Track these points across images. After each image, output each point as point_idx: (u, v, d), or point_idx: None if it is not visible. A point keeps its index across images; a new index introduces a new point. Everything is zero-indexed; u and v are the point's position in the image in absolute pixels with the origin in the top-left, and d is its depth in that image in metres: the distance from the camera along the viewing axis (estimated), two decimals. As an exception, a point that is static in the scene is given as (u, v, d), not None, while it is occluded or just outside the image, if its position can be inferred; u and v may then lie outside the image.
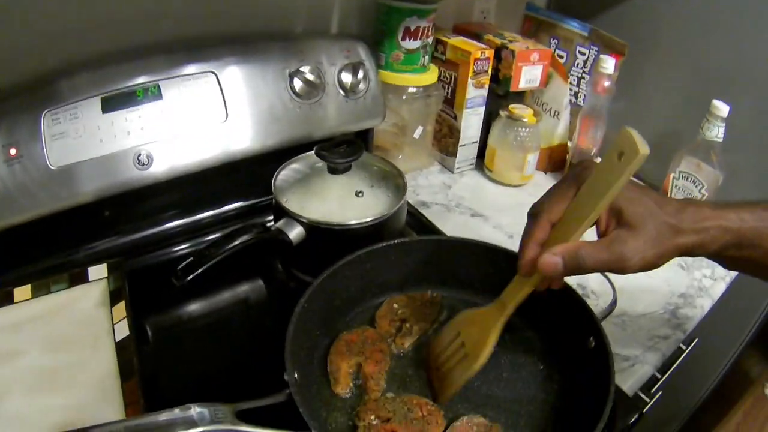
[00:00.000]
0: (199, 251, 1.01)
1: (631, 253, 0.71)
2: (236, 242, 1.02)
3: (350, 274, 1.04)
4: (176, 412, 0.71)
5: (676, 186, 1.42)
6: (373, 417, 0.88)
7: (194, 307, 1.13)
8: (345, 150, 1.14)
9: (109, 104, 1.03)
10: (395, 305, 1.08)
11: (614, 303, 1.04)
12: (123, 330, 0.94)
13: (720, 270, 1.32)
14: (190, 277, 0.98)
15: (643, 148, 0.64)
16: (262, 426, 0.75)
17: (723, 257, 0.78)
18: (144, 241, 1.25)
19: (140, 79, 1.07)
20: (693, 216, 0.73)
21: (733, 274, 1.33)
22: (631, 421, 0.94)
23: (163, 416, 0.70)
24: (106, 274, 1.03)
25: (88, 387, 0.86)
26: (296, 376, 0.84)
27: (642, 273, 0.73)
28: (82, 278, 1.02)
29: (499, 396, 0.96)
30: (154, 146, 1.09)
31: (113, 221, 1.21)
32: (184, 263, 0.99)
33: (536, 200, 0.82)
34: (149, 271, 1.19)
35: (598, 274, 1.03)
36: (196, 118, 1.12)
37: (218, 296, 1.16)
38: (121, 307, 0.97)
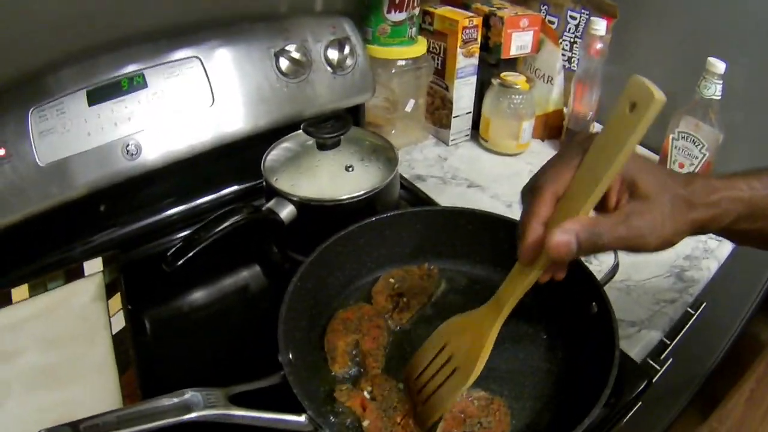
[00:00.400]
0: (189, 235, 0.99)
1: (649, 228, 0.63)
2: (226, 224, 1.00)
3: (343, 250, 1.02)
4: (168, 399, 0.70)
5: (675, 147, 1.40)
6: (366, 393, 0.88)
7: (191, 294, 1.12)
8: (333, 125, 1.13)
9: (95, 97, 1.02)
10: (391, 280, 1.06)
11: (616, 266, 1.00)
12: (119, 322, 0.94)
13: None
14: (181, 261, 0.96)
15: (659, 94, 0.57)
16: (257, 409, 0.74)
17: (735, 231, 0.72)
18: (140, 232, 1.24)
19: (125, 70, 1.06)
20: (703, 188, 0.67)
21: None
22: (640, 388, 0.92)
23: (155, 404, 0.70)
24: (101, 268, 1.02)
25: (86, 381, 0.86)
26: (290, 356, 0.83)
27: None
28: (77, 274, 1.02)
29: (502, 368, 0.93)
30: (142, 136, 1.08)
31: (109, 214, 1.20)
32: (174, 248, 0.98)
33: (533, 175, 0.71)
34: (146, 262, 1.18)
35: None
36: (183, 104, 1.11)
37: (214, 282, 1.14)
38: (117, 300, 0.97)
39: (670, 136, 1.40)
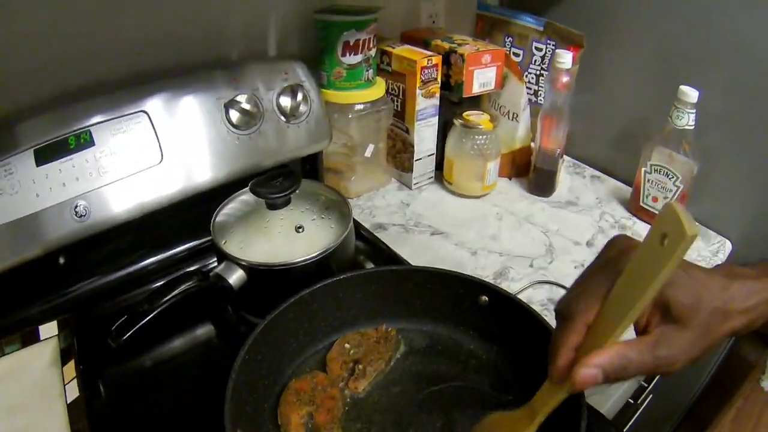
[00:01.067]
0: (133, 308, 0.96)
1: (679, 354, 0.61)
2: (172, 294, 0.97)
3: (295, 317, 0.98)
4: None
5: (648, 180, 1.38)
6: None
7: (146, 357, 1.08)
8: (281, 183, 1.08)
9: (43, 156, 0.98)
10: (347, 345, 1.02)
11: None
12: (73, 391, 0.90)
13: (707, 255, 1.29)
14: (126, 336, 0.94)
15: (692, 229, 0.53)
16: None
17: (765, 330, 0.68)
18: (96, 291, 1.20)
19: (72, 127, 1.01)
20: (741, 292, 0.63)
21: (723, 256, 1.28)
22: None
23: None
24: (56, 332, 0.99)
25: None
26: None
27: None
28: (33, 338, 0.98)
29: None
30: (91, 196, 1.03)
31: (67, 271, 1.16)
32: (118, 322, 0.95)
33: (565, 295, 0.71)
34: (101, 324, 1.11)
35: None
36: (131, 162, 1.06)
37: (169, 345, 1.10)
38: (71, 367, 0.93)
39: (643, 169, 1.37)
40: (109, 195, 1.05)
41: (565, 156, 1.55)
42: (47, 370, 0.94)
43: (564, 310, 0.69)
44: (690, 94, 1.23)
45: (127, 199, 1.07)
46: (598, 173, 1.66)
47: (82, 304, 1.16)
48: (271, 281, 1.06)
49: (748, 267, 0.68)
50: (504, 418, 0.82)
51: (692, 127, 1.26)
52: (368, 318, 1.06)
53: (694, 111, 1.24)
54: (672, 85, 1.27)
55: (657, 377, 1.20)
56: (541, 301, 1.17)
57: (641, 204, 1.45)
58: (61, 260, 1.14)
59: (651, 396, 1.33)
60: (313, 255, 1.04)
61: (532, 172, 1.57)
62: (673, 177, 1.32)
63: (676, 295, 0.61)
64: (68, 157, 1.00)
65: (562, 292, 1.09)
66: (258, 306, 0.98)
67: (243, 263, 1.04)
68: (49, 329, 0.99)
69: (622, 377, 0.62)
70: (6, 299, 1.09)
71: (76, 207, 1.01)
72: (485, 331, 0.99)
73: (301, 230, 1.10)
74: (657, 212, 1.38)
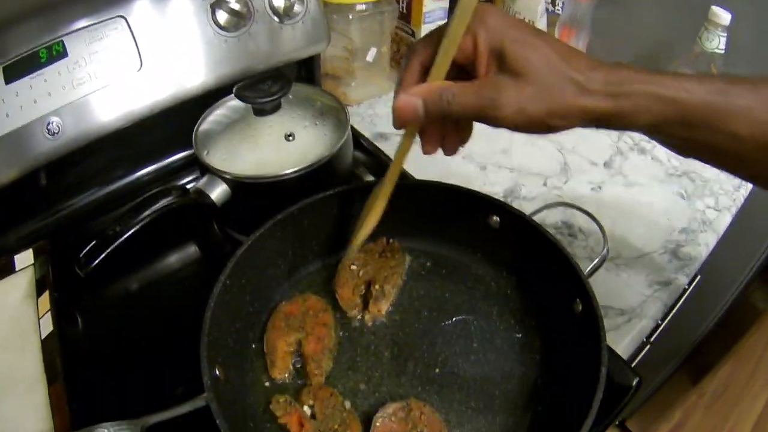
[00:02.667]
0: (103, 231, 0.89)
1: (505, 99, 0.60)
2: (146, 213, 0.90)
3: (284, 235, 0.90)
4: None
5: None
6: (306, 408, 0.78)
7: (126, 283, 1.03)
8: (270, 86, 0.99)
9: (12, 73, 0.91)
10: (353, 267, 0.94)
11: (606, 253, 0.90)
12: (48, 325, 0.87)
13: (724, 199, 1.19)
14: (95, 263, 0.87)
15: None
16: None
17: (668, 137, 0.64)
18: (74, 215, 1.13)
19: (42, 39, 0.93)
20: (608, 76, 0.60)
21: (739, 201, 1.19)
22: (629, 395, 0.83)
23: None
24: (32, 261, 0.95)
25: (16, 395, 0.80)
26: (218, 372, 0.74)
27: (635, 203, 0.74)
28: (9, 268, 0.95)
29: (468, 373, 0.83)
30: (64, 111, 0.96)
31: (43, 197, 1.10)
32: (87, 248, 0.88)
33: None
34: (78, 250, 1.04)
35: (585, 215, 0.91)
36: (108, 71, 0.99)
37: (150, 269, 1.05)
38: (46, 298, 0.90)
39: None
40: (85, 109, 0.98)
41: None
42: (23, 302, 0.90)
43: (407, 51, 0.69)
44: (722, 15, 1.14)
45: (104, 112, 1.00)
46: (617, 93, 1.57)
47: (61, 228, 1.10)
48: (257, 196, 0.98)
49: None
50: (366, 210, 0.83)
51: (722, 52, 1.17)
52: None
53: (725, 34, 1.16)
54: (702, 4, 1.18)
55: (672, 313, 1.14)
56: (556, 224, 1.10)
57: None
58: (43, 184, 1.07)
59: (661, 335, 1.27)
60: (305, 166, 0.96)
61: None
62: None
63: (518, 49, 0.60)
64: (39, 72, 0.92)
65: (579, 216, 1.01)
66: (245, 223, 0.91)
67: (227, 176, 0.96)
68: (24, 258, 0.96)
69: (445, 113, 0.62)
70: None
71: (48, 125, 0.95)
72: (495, 254, 0.92)
73: (291, 138, 1.00)
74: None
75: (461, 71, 0.64)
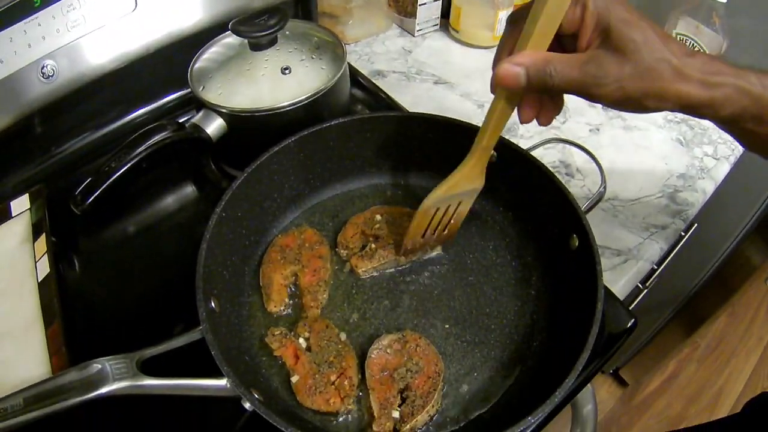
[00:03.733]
0: (98, 168, 0.90)
1: (607, 76, 0.61)
2: (140, 149, 0.90)
3: (280, 168, 0.91)
4: (75, 374, 0.65)
5: (671, 50, 1.28)
6: (301, 341, 0.79)
7: (123, 224, 1.02)
8: (266, 20, 0.97)
9: (5, 19, 0.90)
10: (378, 216, 0.94)
11: (603, 190, 0.91)
12: (44, 268, 0.87)
13: (722, 148, 1.19)
14: (91, 199, 0.88)
15: None
16: (172, 376, 0.67)
17: (738, 129, 0.66)
18: (70, 158, 1.12)
19: None
20: (704, 65, 0.61)
21: (738, 152, 1.19)
22: (623, 336, 0.84)
23: (60, 381, 0.65)
24: (28, 206, 0.95)
25: (13, 338, 0.81)
26: (214, 304, 0.74)
27: (633, 147, 0.76)
28: (5, 214, 0.95)
29: (464, 307, 0.85)
30: (59, 54, 0.97)
31: (40, 142, 1.09)
32: (83, 185, 0.89)
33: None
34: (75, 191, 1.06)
35: (583, 153, 0.91)
36: (102, 13, 0.98)
37: (146, 209, 1.04)
38: (42, 242, 0.90)
39: (667, 37, 1.28)
40: (79, 51, 0.98)
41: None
42: (19, 247, 0.90)
43: (513, 16, 0.69)
44: (723, -36, 1.14)
45: (98, 54, 1.00)
46: (617, 37, 1.56)
47: (57, 173, 1.09)
48: (254, 130, 0.98)
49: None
50: (456, 177, 0.82)
51: (724, 1, 1.15)
52: (362, 170, 0.99)
53: (726, -17, 1.15)
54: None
55: (666, 261, 1.15)
56: (553, 164, 1.10)
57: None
58: (38, 129, 1.06)
59: (656, 281, 1.28)
60: (302, 98, 0.96)
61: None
62: (699, 49, 1.22)
63: (621, 27, 0.60)
64: (33, 16, 0.92)
65: (577, 152, 1.02)
66: (241, 159, 0.90)
67: (223, 110, 0.96)
68: (21, 204, 0.96)
69: (546, 84, 0.63)
70: None
71: (43, 68, 0.95)
72: (492, 189, 0.90)
73: (287, 72, 1.00)
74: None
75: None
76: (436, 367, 0.77)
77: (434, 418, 0.75)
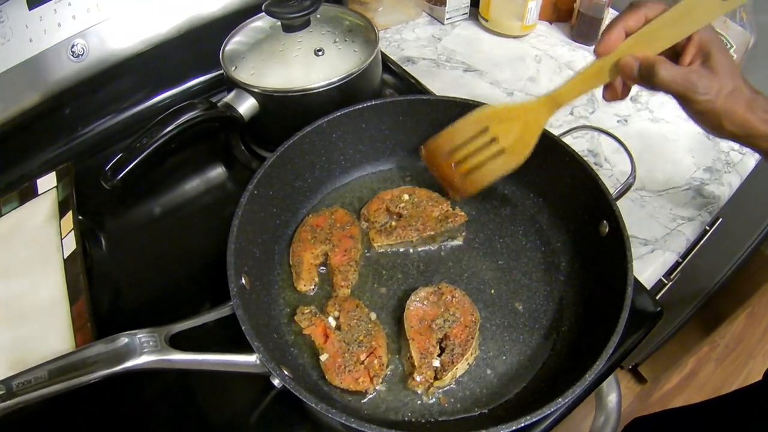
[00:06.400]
0: (129, 144, 0.90)
1: (706, 89, 0.72)
2: (171, 127, 0.91)
3: (312, 148, 0.92)
4: (102, 347, 0.66)
5: (699, 43, 1.29)
6: (331, 320, 0.81)
7: (150, 203, 1.04)
8: (300, 2, 0.99)
9: None
10: (406, 196, 0.96)
11: (633, 179, 0.92)
12: (71, 244, 0.88)
13: None
14: (121, 175, 0.88)
15: None
16: (201, 350, 0.68)
17: None
18: (99, 138, 1.13)
19: None
20: (766, 104, 0.75)
21: None
22: (649, 326, 0.86)
23: (86, 353, 0.65)
24: (55, 183, 0.96)
25: (38, 314, 0.82)
26: (244, 281, 0.76)
27: (661, 139, 0.90)
28: (31, 192, 0.96)
29: (493, 290, 0.86)
30: (89, 33, 0.99)
31: (69, 121, 1.10)
32: (113, 160, 0.89)
33: None
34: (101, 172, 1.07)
35: (611, 143, 0.93)
36: None
37: (174, 189, 1.06)
38: (69, 219, 0.91)
39: (694, 31, 1.28)
40: (110, 30, 1.00)
41: (610, 9, 1.45)
42: (45, 225, 0.91)
43: (620, 14, 0.78)
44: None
45: (128, 35, 1.03)
46: (645, 30, 1.57)
47: (85, 152, 1.10)
48: (286, 110, 0.99)
49: None
50: (515, 109, 0.85)
51: None
52: (393, 153, 1.01)
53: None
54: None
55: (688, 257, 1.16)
56: (582, 152, 1.09)
57: (689, 66, 1.37)
58: (66, 109, 1.07)
59: (679, 276, 1.29)
60: (335, 80, 0.97)
61: (576, 18, 1.47)
62: (727, 45, 1.23)
63: (717, 53, 0.73)
64: None
65: (605, 142, 1.05)
66: (272, 140, 0.92)
67: (255, 90, 0.97)
68: (47, 182, 0.97)
69: (651, 81, 0.74)
70: (7, 156, 1.05)
71: (73, 47, 0.97)
72: (522, 175, 0.92)
73: (320, 54, 1.01)
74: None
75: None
76: (473, 316, 0.80)
77: (462, 400, 0.76)
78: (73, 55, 0.97)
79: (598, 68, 0.78)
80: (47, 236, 0.90)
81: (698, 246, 1.21)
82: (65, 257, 0.86)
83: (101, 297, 0.86)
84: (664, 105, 1.24)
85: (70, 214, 0.90)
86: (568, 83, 0.80)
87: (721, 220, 1.26)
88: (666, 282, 1.25)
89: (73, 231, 0.88)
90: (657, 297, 1.28)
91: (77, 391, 0.63)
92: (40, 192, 0.95)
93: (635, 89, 1.28)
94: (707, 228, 1.19)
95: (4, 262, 0.88)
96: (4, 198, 0.95)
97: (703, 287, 1.89)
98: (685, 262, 1.19)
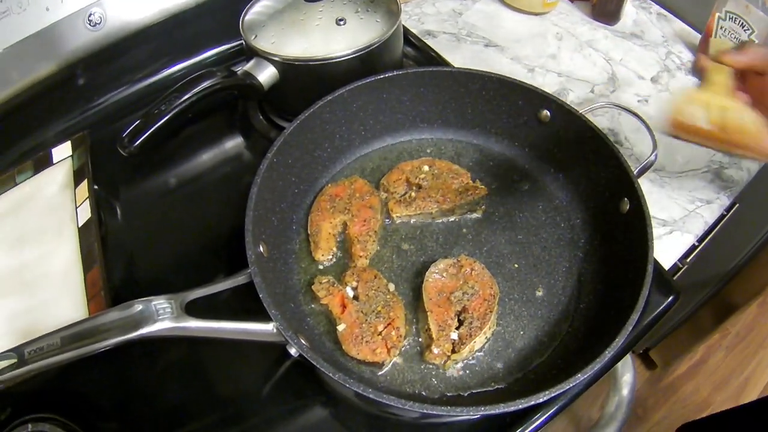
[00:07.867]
0: (147, 111, 0.90)
1: None
2: (190, 94, 0.91)
3: (332, 117, 0.92)
4: (116, 314, 0.65)
5: (721, 28, 1.28)
6: (349, 290, 0.81)
7: (167, 173, 1.04)
8: (321, -29, 0.99)
9: None
10: (426, 167, 0.96)
11: (654, 156, 0.91)
12: (85, 213, 0.88)
13: None
14: (138, 142, 0.89)
15: None
16: (217, 318, 0.68)
17: None
18: (115, 107, 1.13)
19: None
20: None
21: None
22: (667, 306, 0.85)
23: (99, 320, 0.65)
24: (70, 153, 0.97)
25: (51, 283, 0.83)
26: (261, 249, 0.76)
27: None
28: (46, 161, 0.97)
29: (512, 264, 0.87)
30: (106, 2, 0.99)
31: (84, 91, 1.10)
32: (131, 127, 0.90)
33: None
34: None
35: (633, 121, 0.94)
36: None
37: (191, 158, 1.05)
38: (84, 188, 0.91)
39: (716, 15, 1.28)
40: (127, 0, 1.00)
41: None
42: (59, 194, 0.92)
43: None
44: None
45: (147, 3, 1.03)
46: (665, 12, 1.55)
47: (101, 122, 1.10)
48: (306, 79, 0.99)
49: None
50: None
51: None
52: (413, 124, 1.00)
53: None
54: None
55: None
56: (602, 131, 1.11)
57: (711, 50, 1.36)
58: (82, 80, 1.07)
59: (695, 260, 1.29)
60: (357, 49, 0.97)
61: (597, -2, 1.47)
62: (748, 29, 1.22)
63: None
64: None
65: (625, 121, 1.06)
66: (291, 109, 0.92)
67: (275, 59, 0.97)
68: (62, 151, 0.97)
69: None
70: (22, 125, 1.05)
71: (90, 16, 0.97)
72: (543, 150, 0.94)
73: (342, 23, 1.00)
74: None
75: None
76: (491, 290, 0.80)
77: (480, 374, 0.76)
78: (90, 24, 0.97)
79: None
80: (62, 205, 0.90)
81: (715, 230, 1.21)
82: (80, 226, 0.87)
83: (115, 266, 0.86)
84: (684, 87, 1.23)
85: (85, 183, 0.91)
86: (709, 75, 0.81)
87: (737, 205, 1.25)
88: (681, 266, 1.25)
89: (88, 199, 0.89)
90: (674, 277, 1.29)
91: (89, 362, 0.63)
92: (55, 161, 0.96)
93: (656, 68, 1.30)
94: (724, 213, 1.19)
95: (19, 230, 0.89)
96: (19, 167, 0.95)
97: (716, 274, 1.89)
98: (701, 246, 1.19)
